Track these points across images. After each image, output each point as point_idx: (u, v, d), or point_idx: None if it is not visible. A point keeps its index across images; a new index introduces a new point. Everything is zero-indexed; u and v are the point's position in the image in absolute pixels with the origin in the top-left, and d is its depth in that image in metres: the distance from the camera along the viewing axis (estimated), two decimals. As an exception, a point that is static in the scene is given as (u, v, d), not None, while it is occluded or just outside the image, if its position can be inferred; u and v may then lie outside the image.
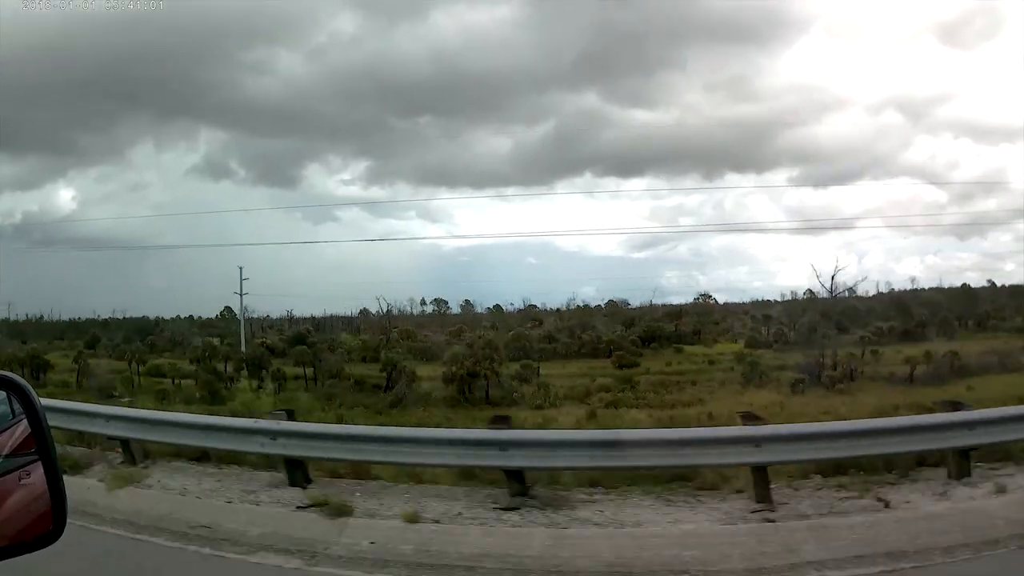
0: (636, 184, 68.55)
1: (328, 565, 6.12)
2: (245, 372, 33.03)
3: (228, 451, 8.96)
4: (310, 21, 58.09)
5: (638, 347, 37.53)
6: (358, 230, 58.22)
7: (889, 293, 40.88)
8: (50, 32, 37.30)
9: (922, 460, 7.90)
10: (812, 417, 15.67)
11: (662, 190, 65.10)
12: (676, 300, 47.70)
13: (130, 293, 53.83)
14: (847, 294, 44.35)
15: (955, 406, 7.91)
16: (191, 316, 45.18)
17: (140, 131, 63.92)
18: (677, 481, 7.71)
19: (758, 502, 7.03)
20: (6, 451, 1.91)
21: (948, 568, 5.62)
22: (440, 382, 29.82)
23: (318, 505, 7.25)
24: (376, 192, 60.55)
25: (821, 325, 38.28)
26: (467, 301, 45.63)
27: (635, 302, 48.90)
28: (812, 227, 59.91)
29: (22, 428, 1.90)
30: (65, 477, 1.95)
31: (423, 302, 45.33)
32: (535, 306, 45.25)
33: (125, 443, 9.18)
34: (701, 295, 46.86)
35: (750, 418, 8.09)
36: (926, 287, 40.71)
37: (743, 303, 46.63)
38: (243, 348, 38.34)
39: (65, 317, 44.55)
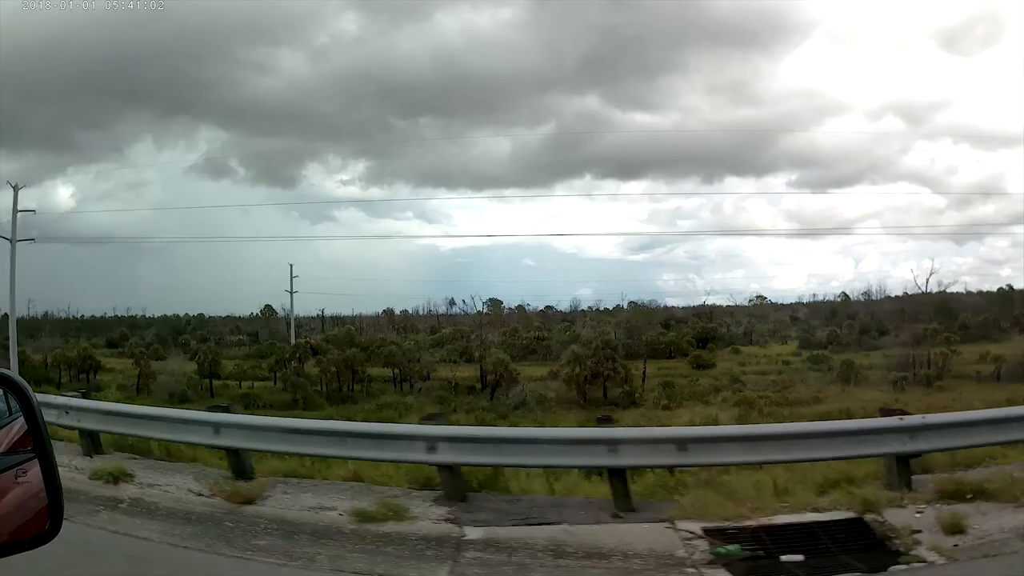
0: (635, 187, 68.71)
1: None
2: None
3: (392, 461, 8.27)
4: (313, 21, 59.30)
5: (695, 348, 37.50)
6: (355, 230, 59.33)
7: (923, 295, 40.34)
8: (50, 30, 37.55)
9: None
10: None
11: (661, 194, 63.91)
12: (708, 301, 47.24)
13: (145, 290, 54.86)
14: (878, 296, 43.93)
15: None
16: (228, 315, 45.92)
17: (140, 129, 65.78)
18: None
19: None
20: (3, 449, 1.91)
21: None
22: (537, 383, 30.58)
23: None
24: (375, 192, 61.03)
25: (873, 327, 37.71)
26: (493, 300, 46.05)
27: (666, 302, 48.66)
28: (810, 231, 59.26)
29: (19, 426, 1.90)
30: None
31: (452, 303, 45.92)
32: (551, 307, 46.32)
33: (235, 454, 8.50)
34: (757, 297, 46.63)
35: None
36: (963, 291, 40.85)
37: (759, 305, 46.05)
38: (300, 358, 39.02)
39: (78, 314, 45.72)
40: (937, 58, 60.13)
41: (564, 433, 9.41)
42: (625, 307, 44.40)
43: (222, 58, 56.00)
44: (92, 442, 9.52)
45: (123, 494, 7.69)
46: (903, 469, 6.99)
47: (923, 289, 39.08)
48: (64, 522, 1.89)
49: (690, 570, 5.57)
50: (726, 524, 6.24)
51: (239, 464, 8.36)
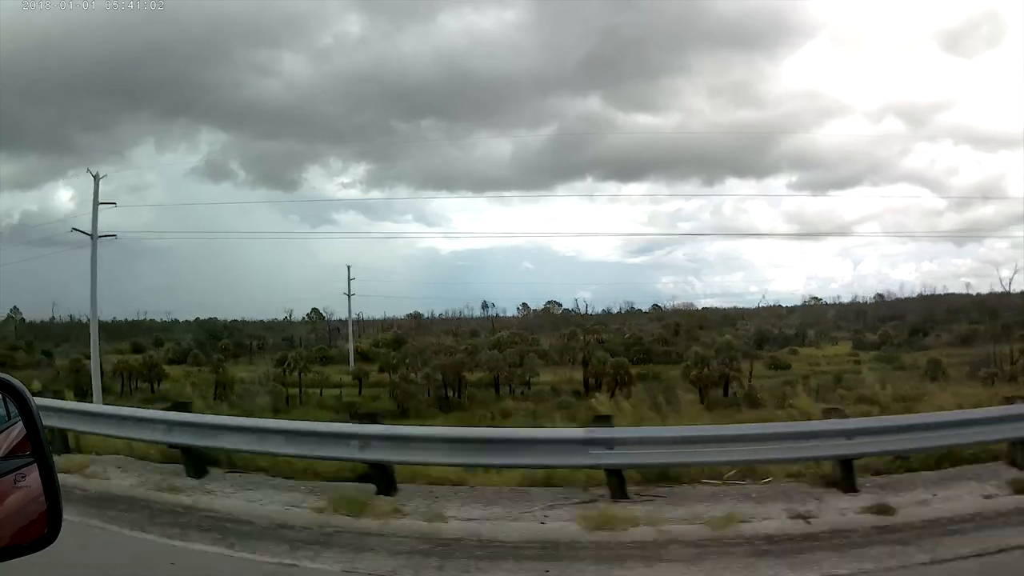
0: (636, 189, 70.24)
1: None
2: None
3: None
4: (315, 23, 59.71)
5: (752, 349, 37.24)
6: (354, 233, 58.97)
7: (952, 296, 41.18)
8: (51, 31, 39.13)
9: None
10: None
11: (661, 194, 66.71)
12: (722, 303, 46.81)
13: (170, 294, 55.75)
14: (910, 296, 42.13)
15: None
16: (268, 319, 45.90)
17: (141, 131, 66.90)
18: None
19: None
20: (1, 453, 1.91)
21: None
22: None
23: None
24: (375, 195, 62.14)
25: (925, 326, 36.46)
26: (524, 304, 46.87)
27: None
28: (810, 233, 59.81)
29: (17, 430, 1.89)
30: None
31: (484, 305, 45.90)
32: (569, 310, 45.64)
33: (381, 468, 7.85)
34: (812, 298, 45.41)
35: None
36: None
37: (814, 306, 45.43)
38: (351, 352, 38.77)
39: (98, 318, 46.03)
40: (938, 59, 61.86)
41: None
42: (659, 308, 44.98)
43: (224, 60, 56.77)
44: (193, 461, 8.50)
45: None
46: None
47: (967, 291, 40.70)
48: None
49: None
50: None
51: (385, 478, 7.72)
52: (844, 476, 7.20)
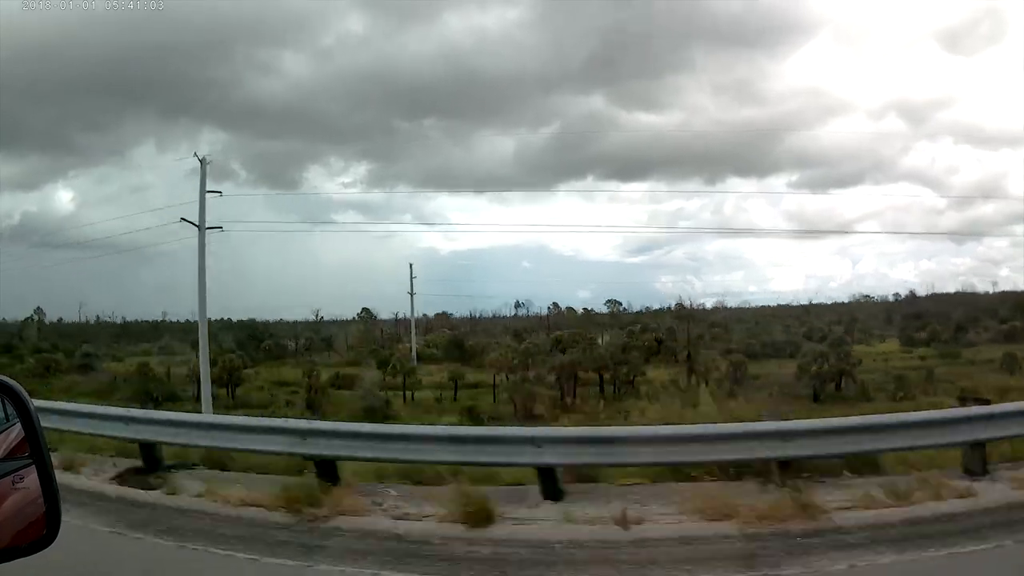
0: (637, 188, 68.42)
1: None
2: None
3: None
4: (317, 22, 59.47)
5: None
6: (353, 233, 58.43)
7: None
8: (51, 31, 39.22)
9: None
10: None
11: (661, 190, 66.19)
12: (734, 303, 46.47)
13: (175, 295, 55.82)
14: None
15: None
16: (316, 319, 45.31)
17: (142, 131, 66.69)
18: None
19: None
20: (0, 455, 1.91)
21: None
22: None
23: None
24: (377, 195, 62.49)
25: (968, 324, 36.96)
26: (555, 304, 46.21)
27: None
28: (810, 231, 59.70)
29: (16, 432, 1.89)
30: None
31: (517, 304, 45.73)
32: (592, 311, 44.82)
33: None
34: (863, 296, 45.77)
35: None
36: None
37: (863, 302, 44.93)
38: (413, 352, 38.61)
39: (113, 319, 45.51)
40: (939, 58, 61.55)
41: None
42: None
43: (225, 59, 56.87)
44: (325, 470, 7.73)
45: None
46: None
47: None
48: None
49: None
50: None
51: (552, 483, 7.37)
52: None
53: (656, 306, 45.85)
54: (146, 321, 45.55)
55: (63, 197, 66.50)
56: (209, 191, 28.49)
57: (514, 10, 58.76)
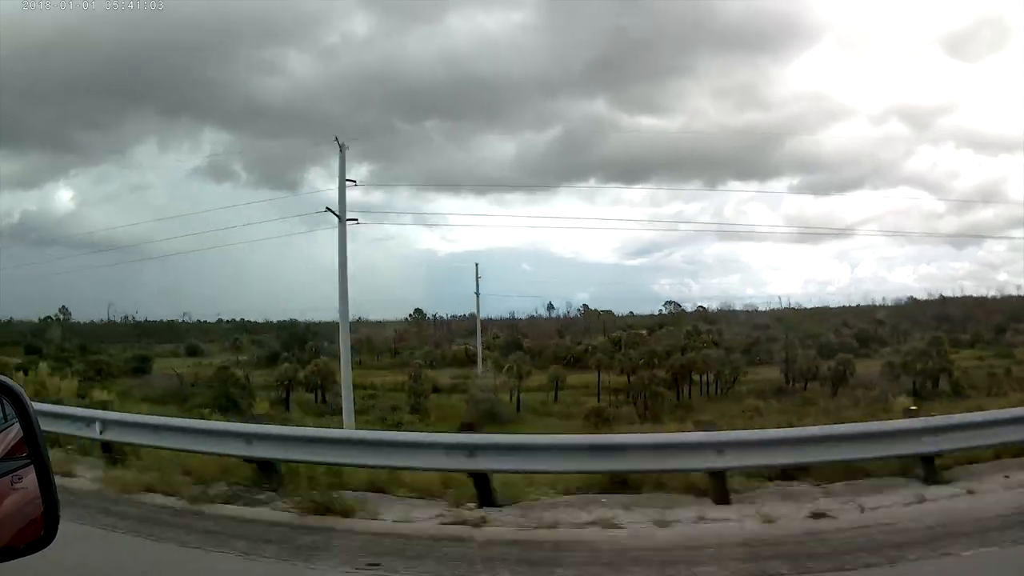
0: (638, 191, 68.56)
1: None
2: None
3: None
4: (319, 23, 59.25)
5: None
6: (352, 235, 56.85)
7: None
8: (52, 29, 38.44)
9: None
10: None
11: (663, 187, 64.49)
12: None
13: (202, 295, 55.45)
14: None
15: None
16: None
17: (143, 130, 66.31)
18: None
19: None
20: (-1, 455, 1.92)
21: None
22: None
23: None
24: (378, 196, 62.70)
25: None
26: (584, 306, 45.97)
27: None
28: (810, 235, 59.71)
29: (14, 432, 1.90)
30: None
31: (550, 306, 45.27)
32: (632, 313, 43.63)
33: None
34: (910, 299, 44.90)
35: None
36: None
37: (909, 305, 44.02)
38: (479, 354, 37.90)
39: (147, 318, 44.25)
40: (942, 63, 62.26)
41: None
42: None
43: (227, 59, 56.77)
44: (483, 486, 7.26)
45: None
46: None
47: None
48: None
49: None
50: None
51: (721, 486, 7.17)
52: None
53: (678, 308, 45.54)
54: (162, 321, 45.36)
55: (64, 196, 68.46)
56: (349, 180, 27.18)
57: (518, 13, 59.15)
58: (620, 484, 7.48)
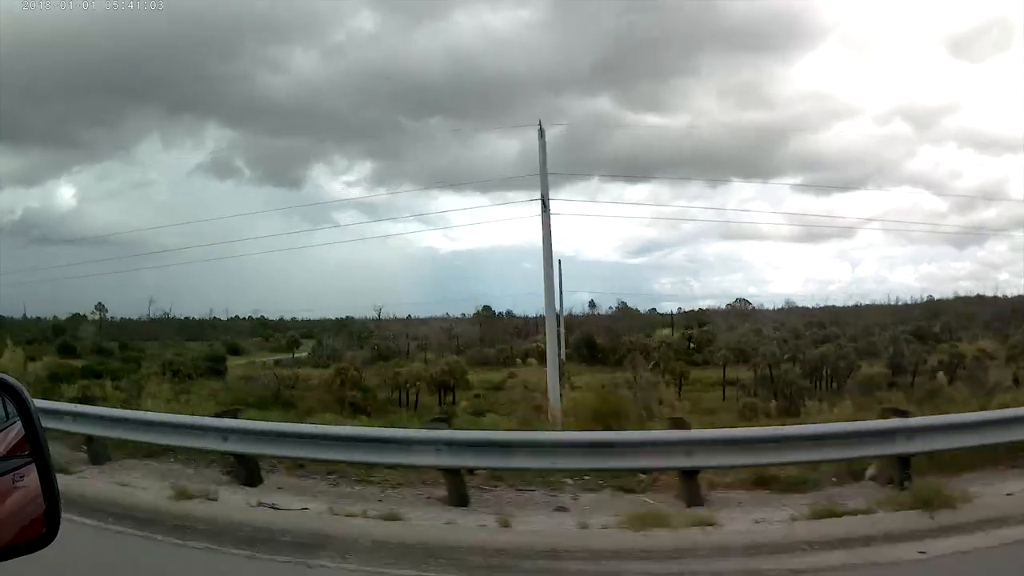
0: (641, 189, 67.78)
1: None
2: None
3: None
4: (324, 19, 57.23)
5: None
6: (354, 233, 58.37)
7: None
8: (54, 27, 35.85)
9: None
10: None
11: (666, 180, 63.67)
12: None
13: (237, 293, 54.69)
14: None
15: None
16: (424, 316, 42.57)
17: (146, 127, 63.50)
18: None
19: None
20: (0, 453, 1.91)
21: None
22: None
23: None
24: (380, 193, 59.05)
25: None
26: (623, 303, 44.22)
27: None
28: (812, 234, 56.07)
29: (16, 430, 1.89)
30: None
31: (591, 304, 43.70)
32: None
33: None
34: (977, 296, 43.87)
35: None
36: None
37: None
38: (561, 352, 37.02)
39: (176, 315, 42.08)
40: (947, 64, 59.56)
41: None
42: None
43: (230, 56, 53.68)
44: (689, 486, 7.28)
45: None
46: None
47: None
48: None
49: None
50: None
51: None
52: None
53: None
54: (193, 319, 44.53)
55: (66, 193, 66.06)
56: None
57: (524, 11, 58.25)
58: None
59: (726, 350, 34.87)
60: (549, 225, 22.96)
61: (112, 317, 41.93)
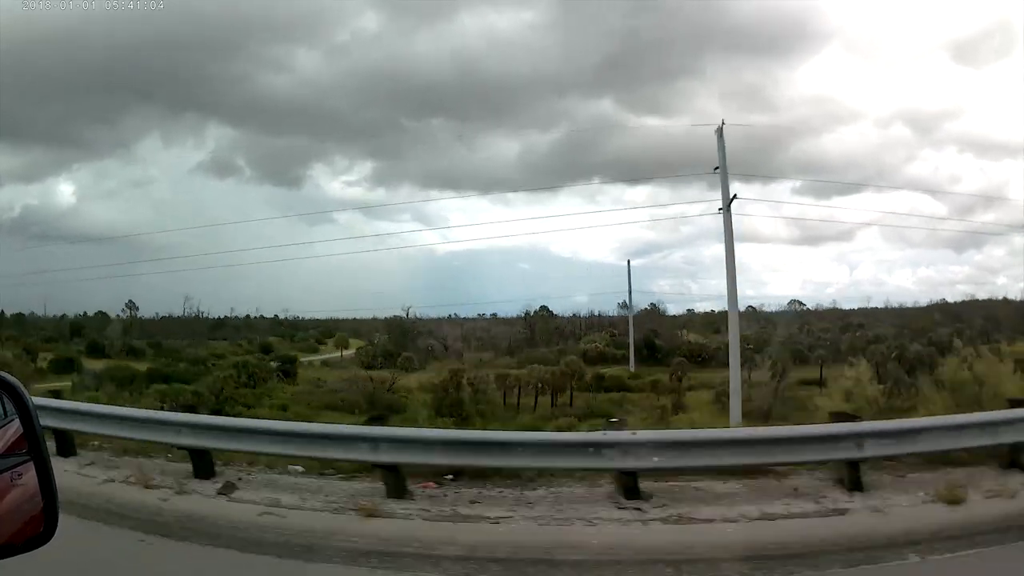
0: (641, 191, 69.58)
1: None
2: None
3: None
4: (327, 19, 57.41)
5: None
6: (352, 233, 58.10)
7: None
8: (55, 25, 38.68)
9: None
10: None
11: (664, 183, 59.47)
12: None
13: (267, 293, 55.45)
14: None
15: None
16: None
17: (148, 125, 65.50)
18: None
19: None
20: (-1, 451, 1.92)
21: None
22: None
23: None
24: (380, 194, 60.66)
25: None
26: (652, 304, 44.57)
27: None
28: (810, 237, 63.60)
29: (14, 428, 1.89)
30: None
31: (624, 305, 42.60)
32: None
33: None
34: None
35: None
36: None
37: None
38: (631, 351, 36.95)
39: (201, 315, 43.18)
40: (949, 69, 61.23)
41: None
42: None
43: (232, 55, 56.51)
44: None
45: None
46: None
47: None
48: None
49: None
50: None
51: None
52: None
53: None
54: (219, 317, 45.53)
55: (65, 190, 69.29)
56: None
57: (527, 13, 58.08)
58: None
59: (823, 350, 34.64)
60: (731, 224, 23.99)
61: (141, 316, 42.78)
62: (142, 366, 28.27)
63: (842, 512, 6.61)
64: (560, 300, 59.26)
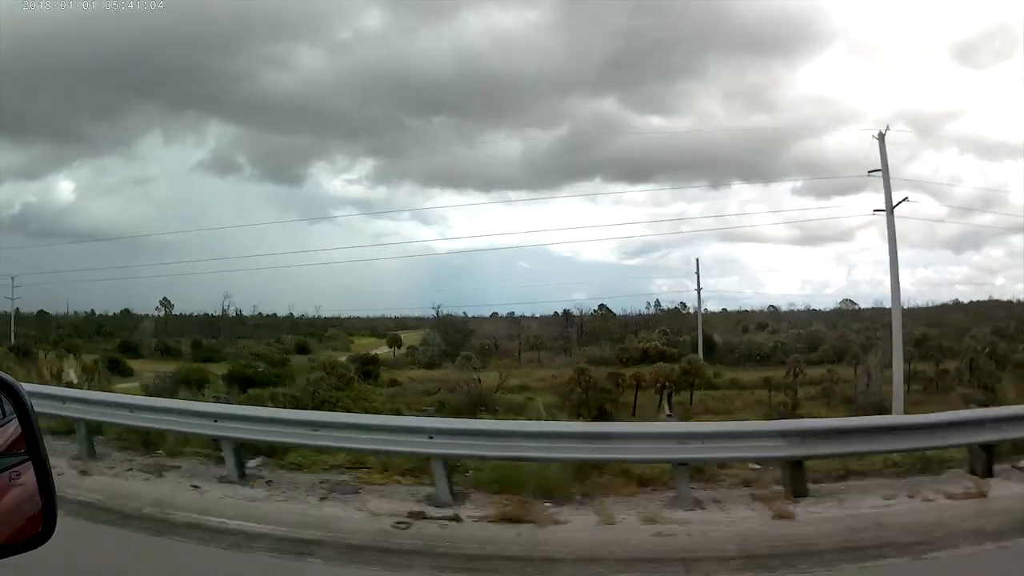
0: (642, 191, 63.16)
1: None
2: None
3: None
4: (329, 16, 55.32)
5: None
6: (351, 231, 59.47)
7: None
8: (56, 22, 36.09)
9: None
10: None
11: (665, 188, 62.88)
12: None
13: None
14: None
15: None
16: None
17: (149, 123, 61.95)
18: None
19: None
20: (-2, 451, 1.92)
21: None
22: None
23: None
24: (381, 192, 59.16)
25: None
26: (682, 303, 43.12)
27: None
28: (810, 237, 64.27)
29: (13, 428, 1.90)
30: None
31: (656, 304, 43.15)
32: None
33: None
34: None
35: None
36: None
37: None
38: (700, 350, 35.82)
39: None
40: (950, 70, 59.94)
41: None
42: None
43: (234, 52, 55.47)
44: None
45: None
46: None
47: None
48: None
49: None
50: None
51: None
52: None
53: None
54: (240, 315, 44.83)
55: (65, 187, 65.27)
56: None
57: (531, 12, 57.00)
58: None
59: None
60: (893, 227, 25.67)
61: (175, 313, 42.57)
62: (217, 368, 28.20)
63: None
64: (559, 300, 58.31)
